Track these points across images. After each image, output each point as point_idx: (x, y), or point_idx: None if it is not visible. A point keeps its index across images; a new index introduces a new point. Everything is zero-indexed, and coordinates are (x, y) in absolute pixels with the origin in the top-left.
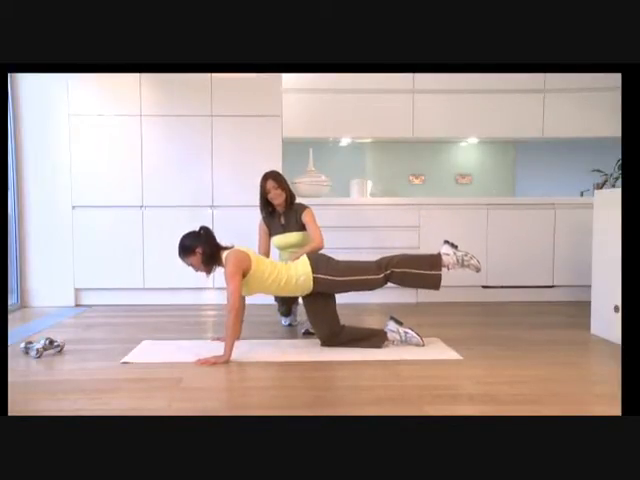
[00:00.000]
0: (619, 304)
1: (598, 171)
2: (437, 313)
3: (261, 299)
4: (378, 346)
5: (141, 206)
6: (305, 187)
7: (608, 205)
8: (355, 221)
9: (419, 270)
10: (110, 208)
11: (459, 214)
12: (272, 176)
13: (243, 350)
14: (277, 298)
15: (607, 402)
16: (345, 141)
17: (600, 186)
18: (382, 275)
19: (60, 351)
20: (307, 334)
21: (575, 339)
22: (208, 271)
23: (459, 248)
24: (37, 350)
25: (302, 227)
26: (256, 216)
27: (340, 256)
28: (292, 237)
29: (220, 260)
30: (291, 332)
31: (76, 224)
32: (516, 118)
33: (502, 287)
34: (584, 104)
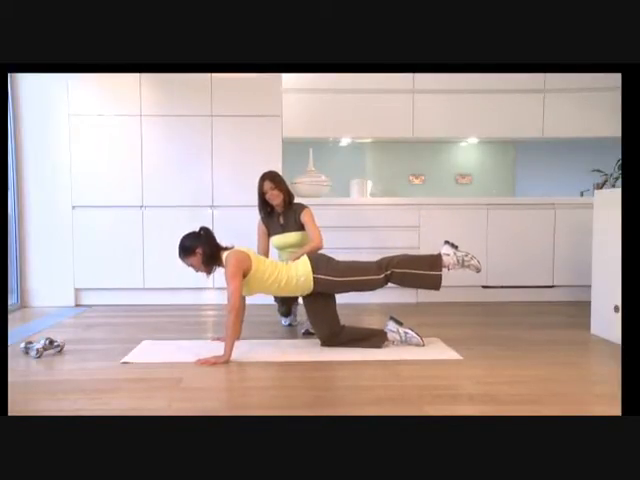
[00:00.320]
0: (619, 304)
1: (598, 171)
2: (437, 313)
3: (261, 299)
4: (378, 346)
5: (141, 206)
6: (305, 187)
7: (608, 205)
8: (355, 221)
9: (419, 270)
10: (110, 208)
11: (459, 214)
12: (269, 177)
13: (243, 350)
14: (277, 298)
15: (607, 402)
16: (345, 141)
17: (600, 186)
18: (382, 275)
19: (60, 351)
20: (307, 334)
21: (575, 339)
22: (208, 271)
23: (459, 248)
24: (37, 350)
25: (301, 227)
26: (256, 216)
27: (340, 256)
28: (291, 237)
29: (220, 260)
30: (291, 332)
31: (76, 224)
32: (516, 118)
33: (502, 287)
34: (584, 104)
